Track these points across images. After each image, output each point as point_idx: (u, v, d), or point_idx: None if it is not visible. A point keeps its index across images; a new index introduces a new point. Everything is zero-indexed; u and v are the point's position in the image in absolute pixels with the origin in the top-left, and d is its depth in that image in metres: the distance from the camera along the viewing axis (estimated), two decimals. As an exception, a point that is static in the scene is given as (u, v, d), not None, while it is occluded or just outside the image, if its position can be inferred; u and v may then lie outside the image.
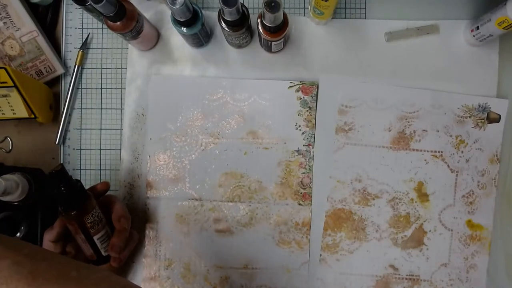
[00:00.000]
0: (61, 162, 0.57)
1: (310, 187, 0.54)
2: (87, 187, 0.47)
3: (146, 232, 0.56)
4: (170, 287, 0.55)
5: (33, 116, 0.51)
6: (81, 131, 0.57)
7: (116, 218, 0.47)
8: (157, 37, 0.56)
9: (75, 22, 0.57)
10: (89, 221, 0.44)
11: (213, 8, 0.57)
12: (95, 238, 0.45)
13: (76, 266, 0.32)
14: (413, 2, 0.55)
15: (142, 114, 0.56)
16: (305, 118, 0.54)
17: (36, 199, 0.51)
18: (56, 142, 0.56)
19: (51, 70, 0.55)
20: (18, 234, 0.50)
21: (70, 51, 0.57)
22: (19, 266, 0.29)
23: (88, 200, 0.45)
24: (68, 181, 0.43)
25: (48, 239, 0.45)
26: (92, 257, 0.46)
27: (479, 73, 0.55)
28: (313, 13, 0.53)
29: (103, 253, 0.47)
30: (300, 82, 0.54)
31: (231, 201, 0.55)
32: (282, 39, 0.50)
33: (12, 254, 0.30)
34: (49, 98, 0.56)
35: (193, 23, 0.48)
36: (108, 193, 0.50)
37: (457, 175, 0.54)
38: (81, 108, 0.57)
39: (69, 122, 0.57)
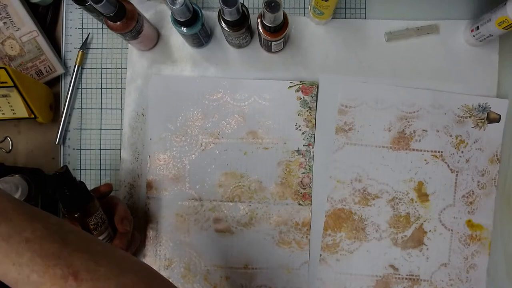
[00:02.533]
0: (61, 162, 0.57)
1: (310, 187, 0.54)
2: (87, 187, 0.47)
3: (146, 232, 0.56)
4: (170, 287, 0.55)
5: (33, 116, 0.51)
6: (81, 131, 0.57)
7: (118, 220, 0.47)
8: (157, 37, 0.56)
9: (75, 22, 0.57)
10: (92, 222, 0.44)
11: (213, 8, 0.57)
12: None
13: (101, 243, 0.33)
14: (413, 2, 0.55)
15: (142, 114, 0.56)
16: (305, 118, 0.54)
17: (37, 200, 0.51)
18: (56, 142, 0.56)
19: (51, 70, 0.55)
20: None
21: (70, 51, 0.57)
22: (50, 231, 0.30)
23: (91, 202, 0.44)
24: (72, 183, 0.43)
25: None
26: None
27: (479, 73, 0.55)
28: (313, 13, 0.53)
29: None
30: (300, 82, 0.54)
31: (231, 201, 0.55)
32: (282, 39, 0.50)
33: (43, 219, 0.31)
34: (49, 98, 0.56)
35: (193, 23, 0.48)
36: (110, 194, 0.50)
37: (457, 175, 0.54)
38: (81, 108, 0.57)
39: (69, 122, 0.57)
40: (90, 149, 0.57)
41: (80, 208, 0.44)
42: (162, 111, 0.56)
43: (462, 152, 0.54)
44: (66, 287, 0.28)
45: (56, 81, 0.57)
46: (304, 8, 0.56)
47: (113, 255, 0.33)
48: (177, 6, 0.43)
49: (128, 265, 0.32)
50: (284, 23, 0.47)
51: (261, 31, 0.48)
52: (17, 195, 0.47)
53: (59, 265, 0.28)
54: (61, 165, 0.57)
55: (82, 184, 0.44)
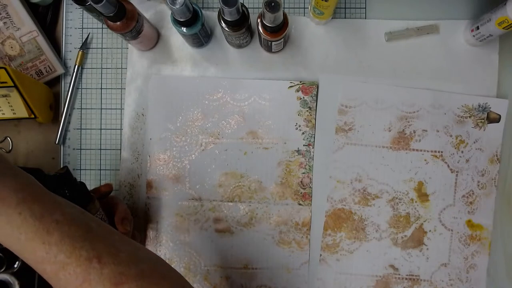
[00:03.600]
0: (61, 162, 0.57)
1: (310, 187, 0.54)
2: (87, 187, 0.47)
3: (146, 232, 0.56)
4: (170, 287, 0.55)
5: (33, 116, 0.51)
6: (81, 131, 0.57)
7: (118, 220, 0.47)
8: (157, 37, 0.56)
9: (75, 22, 0.57)
10: None
11: (213, 8, 0.57)
12: None
13: (117, 232, 0.35)
14: (413, 2, 0.55)
15: (142, 114, 0.56)
16: (305, 118, 0.54)
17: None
18: (56, 142, 0.56)
19: (51, 70, 0.55)
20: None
21: (70, 51, 0.57)
22: (77, 216, 0.32)
23: (92, 203, 0.44)
24: (73, 184, 0.43)
25: None
26: None
27: (479, 73, 0.55)
28: (313, 13, 0.53)
29: None
30: (300, 82, 0.54)
31: (231, 201, 0.55)
32: (282, 39, 0.50)
33: (69, 205, 0.33)
34: (49, 98, 0.56)
35: (193, 23, 0.48)
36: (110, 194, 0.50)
37: (457, 175, 0.54)
38: (81, 108, 0.57)
39: (69, 122, 0.57)
40: (90, 149, 0.57)
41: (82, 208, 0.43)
42: (162, 111, 0.56)
43: (462, 152, 0.54)
44: (90, 269, 0.29)
45: (56, 81, 0.57)
46: (304, 8, 0.56)
47: (131, 244, 0.34)
48: (177, 6, 0.43)
49: (144, 254, 0.34)
50: (284, 23, 0.47)
51: (261, 31, 0.48)
52: None
53: (85, 247, 0.30)
54: (61, 165, 0.57)
55: (82, 184, 0.44)
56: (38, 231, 0.29)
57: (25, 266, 0.48)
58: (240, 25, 0.48)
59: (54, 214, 0.30)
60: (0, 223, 0.29)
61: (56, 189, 0.42)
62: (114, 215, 0.48)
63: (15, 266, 0.47)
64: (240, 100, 0.55)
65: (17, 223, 0.29)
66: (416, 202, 0.54)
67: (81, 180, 0.45)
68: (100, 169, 0.57)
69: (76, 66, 0.56)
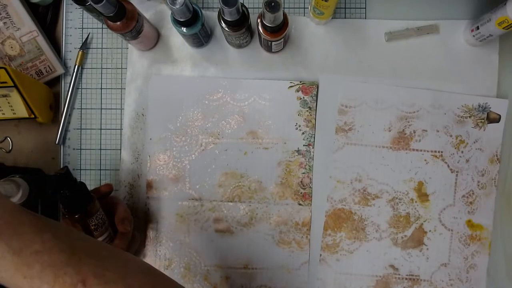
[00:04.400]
0: (61, 162, 0.57)
1: (310, 187, 0.54)
2: (87, 187, 0.47)
3: (146, 232, 0.56)
4: (170, 287, 0.55)
5: (33, 116, 0.51)
6: (81, 131, 0.57)
7: (118, 220, 0.47)
8: (157, 37, 0.56)
9: (75, 22, 0.57)
10: (93, 223, 0.44)
11: (213, 8, 0.57)
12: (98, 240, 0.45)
13: (107, 247, 0.34)
14: (413, 2, 0.55)
15: (142, 114, 0.56)
16: (305, 118, 0.54)
17: (37, 201, 0.51)
18: (56, 142, 0.56)
19: (51, 70, 0.55)
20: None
21: (70, 51, 0.57)
22: (59, 240, 0.31)
23: (92, 203, 0.44)
24: (73, 184, 0.43)
25: None
26: None
27: (479, 73, 0.55)
28: (313, 13, 0.53)
29: None
30: (300, 82, 0.54)
31: (231, 201, 0.55)
32: (282, 39, 0.50)
33: (51, 228, 0.32)
34: (49, 98, 0.56)
35: (193, 23, 0.48)
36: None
37: (457, 175, 0.54)
38: (81, 108, 0.57)
39: (69, 122, 0.57)
40: (90, 149, 0.57)
41: (81, 209, 0.43)
42: (162, 111, 0.56)
43: (462, 152, 0.54)
44: None
45: (56, 81, 0.57)
46: (304, 8, 0.56)
47: (119, 258, 0.33)
48: (177, 6, 0.43)
49: (134, 267, 0.33)
50: (284, 23, 0.47)
51: (261, 31, 0.48)
52: (18, 196, 0.47)
53: (68, 273, 0.29)
54: (61, 165, 0.57)
55: (82, 185, 0.44)
56: (18, 266, 0.28)
57: None
58: (240, 25, 0.48)
59: (34, 245, 0.29)
60: None
61: (56, 189, 0.43)
62: (114, 215, 0.48)
63: None
64: (240, 100, 0.55)
65: None
66: (416, 202, 0.54)
67: (81, 180, 0.45)
68: (100, 169, 0.57)
69: (76, 66, 0.56)
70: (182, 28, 0.48)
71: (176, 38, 0.56)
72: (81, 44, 0.56)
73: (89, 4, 0.45)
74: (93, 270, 0.30)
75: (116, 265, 0.32)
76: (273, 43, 0.50)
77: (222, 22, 0.47)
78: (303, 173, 0.55)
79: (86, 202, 0.44)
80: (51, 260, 0.29)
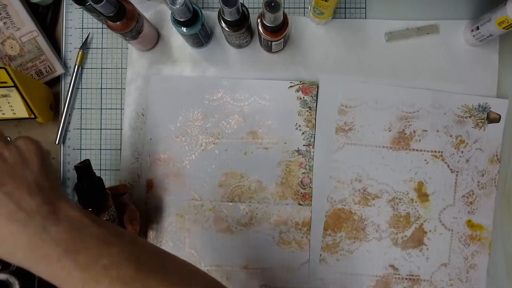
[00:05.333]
0: (61, 162, 0.57)
1: (310, 187, 0.54)
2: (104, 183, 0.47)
3: (146, 232, 0.56)
4: (170, 287, 0.55)
5: (33, 116, 0.51)
6: (81, 131, 0.57)
7: (128, 220, 0.48)
8: (157, 37, 0.56)
9: (75, 22, 0.57)
10: (104, 219, 0.45)
11: (213, 8, 0.57)
12: None
13: (170, 258, 0.34)
14: (413, 2, 0.55)
15: (142, 114, 0.56)
16: (305, 118, 0.54)
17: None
18: (56, 142, 0.56)
19: (51, 70, 0.55)
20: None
21: (70, 51, 0.57)
22: (127, 253, 0.30)
23: (106, 199, 0.45)
24: (91, 178, 0.44)
25: None
26: None
27: (479, 73, 0.55)
28: (313, 13, 0.53)
29: None
30: (300, 82, 0.54)
31: (231, 201, 0.55)
32: (282, 39, 0.50)
33: (117, 241, 0.31)
34: (49, 98, 0.56)
35: (193, 23, 0.48)
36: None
37: (457, 175, 0.54)
38: (81, 108, 0.57)
39: (69, 122, 0.57)
40: (90, 149, 0.57)
41: (95, 203, 0.44)
42: (162, 111, 0.56)
43: (462, 152, 0.54)
44: None
45: (56, 81, 0.57)
46: (304, 8, 0.56)
47: (184, 271, 0.33)
48: (177, 6, 0.43)
49: (198, 282, 0.33)
50: (284, 23, 0.47)
51: (261, 31, 0.48)
52: None
53: None
54: (61, 165, 0.57)
55: (100, 180, 0.45)
56: (85, 281, 0.28)
57: None
58: (240, 25, 0.48)
59: (101, 259, 0.29)
60: (47, 278, 0.29)
61: (68, 181, 0.43)
62: (124, 214, 0.49)
63: (13, 265, 0.47)
64: (240, 100, 0.55)
65: (62, 277, 0.28)
66: (416, 202, 0.54)
67: (100, 177, 0.46)
68: (100, 169, 0.57)
69: (76, 66, 0.56)
70: (182, 28, 0.48)
71: (176, 38, 0.56)
72: (81, 44, 0.56)
73: (89, 4, 0.45)
74: (160, 285, 0.30)
75: (182, 279, 0.32)
76: (273, 43, 0.50)
77: (222, 22, 0.47)
78: (303, 173, 0.55)
79: (101, 197, 0.45)
80: (119, 276, 0.29)
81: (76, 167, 0.43)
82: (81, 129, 0.57)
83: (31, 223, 0.28)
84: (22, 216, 0.28)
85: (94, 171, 0.46)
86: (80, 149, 0.57)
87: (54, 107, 0.57)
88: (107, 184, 0.57)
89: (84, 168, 0.44)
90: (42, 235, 0.28)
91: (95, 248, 0.29)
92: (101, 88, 0.57)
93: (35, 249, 0.28)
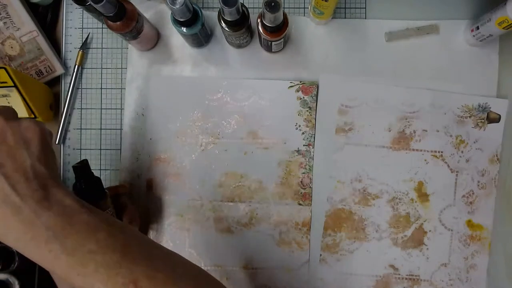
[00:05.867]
0: (61, 162, 0.57)
1: (310, 187, 0.54)
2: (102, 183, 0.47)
3: (146, 232, 0.56)
4: (170, 287, 0.55)
5: (33, 116, 0.51)
6: (81, 131, 0.57)
7: (127, 220, 0.48)
8: (157, 37, 0.56)
9: (75, 22, 0.57)
10: None
11: (213, 8, 0.57)
12: None
13: (158, 246, 0.35)
14: (413, 2, 0.55)
15: (142, 114, 0.56)
16: (305, 118, 0.54)
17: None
18: (56, 142, 0.56)
19: (51, 70, 0.55)
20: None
21: (70, 51, 0.57)
22: (114, 239, 0.31)
23: (104, 199, 0.45)
24: (90, 178, 0.44)
25: None
26: None
27: (479, 73, 0.55)
28: (313, 13, 0.53)
29: None
30: (300, 82, 0.54)
31: (231, 201, 0.55)
32: (282, 39, 0.50)
33: (107, 226, 0.32)
34: (49, 98, 0.56)
35: (193, 23, 0.48)
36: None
37: (457, 175, 0.54)
38: (81, 108, 0.57)
39: (69, 122, 0.57)
40: (90, 149, 0.57)
41: (94, 203, 0.44)
42: (162, 111, 0.56)
43: (462, 152, 0.54)
44: None
45: (56, 81, 0.57)
46: (304, 8, 0.56)
47: (171, 260, 0.34)
48: (177, 6, 0.43)
49: (185, 270, 0.34)
50: (284, 23, 0.47)
51: (261, 31, 0.48)
52: None
53: (120, 273, 0.30)
54: (61, 165, 0.57)
55: (98, 180, 0.45)
56: (71, 265, 0.29)
57: (24, 266, 0.48)
58: (240, 25, 0.48)
59: (87, 244, 0.30)
60: (36, 261, 0.30)
61: (68, 181, 0.43)
62: (123, 214, 0.49)
63: (13, 265, 0.47)
64: (240, 100, 0.55)
65: (49, 260, 0.29)
66: (416, 202, 0.54)
67: (98, 176, 0.46)
68: (100, 169, 0.57)
69: (76, 66, 0.56)
70: (182, 28, 0.48)
71: (176, 38, 0.56)
72: (81, 44, 0.56)
73: (89, 4, 0.45)
74: (145, 271, 0.30)
75: (168, 267, 0.32)
76: (273, 43, 0.50)
77: (222, 22, 0.47)
78: (303, 173, 0.55)
79: (99, 197, 0.45)
80: (104, 260, 0.30)
81: (74, 167, 0.43)
82: (81, 129, 0.57)
83: (24, 207, 0.29)
84: (16, 199, 0.29)
85: (94, 171, 0.46)
86: (80, 149, 0.57)
87: (54, 107, 0.57)
88: (107, 184, 0.57)
89: (81, 168, 0.44)
90: (34, 219, 0.29)
91: (83, 233, 0.30)
92: (101, 88, 0.57)
93: (26, 233, 0.29)
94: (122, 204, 0.50)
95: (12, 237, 0.29)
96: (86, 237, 0.30)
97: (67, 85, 0.56)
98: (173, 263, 0.34)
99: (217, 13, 0.48)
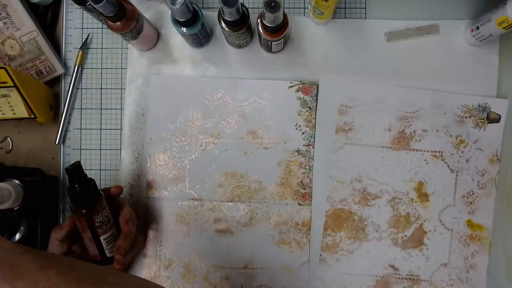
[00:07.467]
0: (61, 162, 0.57)
1: (310, 187, 0.54)
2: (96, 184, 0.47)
3: (146, 232, 0.56)
4: (170, 287, 0.55)
5: (33, 116, 0.51)
6: (81, 131, 0.57)
7: (123, 221, 0.48)
8: (157, 37, 0.56)
9: (75, 22, 0.57)
10: (98, 220, 0.45)
11: (213, 8, 0.57)
12: (101, 238, 0.46)
13: (112, 273, 0.35)
14: (413, 2, 0.55)
15: (142, 114, 0.56)
16: (305, 118, 0.54)
17: (36, 201, 0.51)
18: (56, 142, 0.56)
19: (51, 70, 0.55)
20: (17, 235, 0.50)
21: (70, 51, 0.57)
22: (64, 274, 0.30)
23: (99, 200, 0.45)
24: (83, 180, 0.44)
25: (56, 238, 0.46)
26: (97, 257, 0.47)
27: (479, 73, 0.54)
28: (313, 13, 0.53)
29: (108, 254, 0.47)
30: (300, 82, 0.54)
31: (231, 201, 0.55)
32: (282, 39, 0.50)
33: (54, 264, 0.31)
34: (49, 98, 0.56)
35: (193, 23, 0.48)
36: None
37: (457, 175, 0.54)
38: (81, 108, 0.57)
39: (69, 122, 0.57)
40: (90, 149, 0.57)
41: (88, 205, 0.44)
42: (162, 111, 0.56)
43: (462, 152, 0.54)
44: None
45: (56, 81, 0.57)
46: (304, 8, 0.56)
47: (127, 283, 0.34)
48: (177, 6, 0.43)
49: None
50: (284, 23, 0.47)
51: (261, 31, 0.48)
52: (10, 201, 0.47)
53: None
54: (61, 165, 0.57)
55: (92, 181, 0.45)
56: None
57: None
58: (240, 25, 0.48)
59: (39, 283, 0.29)
60: None
61: (67, 182, 0.43)
62: (119, 215, 0.48)
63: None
64: (240, 100, 0.55)
65: None
66: (416, 202, 0.54)
67: (92, 178, 0.46)
68: (100, 169, 0.57)
69: (76, 66, 0.56)
70: (182, 28, 0.48)
71: (176, 38, 0.56)
72: (81, 44, 0.56)
73: (89, 4, 0.45)
74: None
75: None
76: (273, 43, 0.50)
77: (222, 22, 0.47)
78: (303, 173, 0.55)
79: (94, 198, 0.45)
80: None
81: (66, 169, 0.43)
82: (81, 129, 0.57)
83: None
84: None
85: (94, 171, 0.46)
86: (80, 149, 0.57)
87: (54, 107, 0.57)
88: (107, 184, 0.57)
89: (74, 170, 0.43)
90: None
91: (32, 272, 0.29)
92: (101, 88, 0.57)
93: None
94: (119, 204, 0.49)
95: None
96: (37, 276, 0.29)
97: (67, 85, 0.56)
98: (132, 286, 0.34)
99: (217, 13, 0.48)
